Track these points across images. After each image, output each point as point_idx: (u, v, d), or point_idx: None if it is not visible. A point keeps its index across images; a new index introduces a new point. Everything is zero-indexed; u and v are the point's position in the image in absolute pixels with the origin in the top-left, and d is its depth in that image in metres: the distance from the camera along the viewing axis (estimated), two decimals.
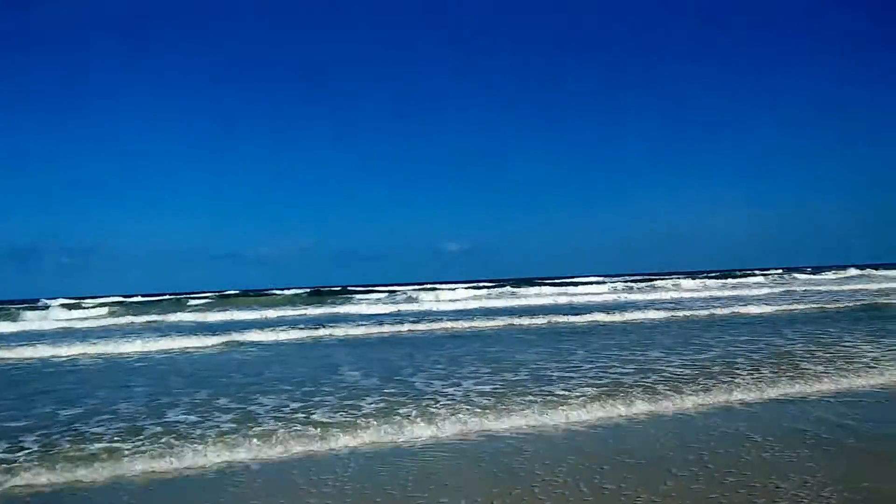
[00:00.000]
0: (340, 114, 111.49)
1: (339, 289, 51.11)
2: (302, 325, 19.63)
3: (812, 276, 52.24)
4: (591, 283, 48.71)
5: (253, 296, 44.42)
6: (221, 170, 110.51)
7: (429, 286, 53.94)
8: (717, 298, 28.64)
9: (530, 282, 52.38)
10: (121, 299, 45.06)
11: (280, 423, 6.85)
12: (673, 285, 43.15)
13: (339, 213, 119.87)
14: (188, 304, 37.83)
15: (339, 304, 33.84)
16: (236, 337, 16.58)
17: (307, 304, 33.61)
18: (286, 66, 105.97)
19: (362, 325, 19.62)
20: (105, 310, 35.00)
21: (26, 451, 6.13)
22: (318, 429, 6.59)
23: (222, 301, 40.86)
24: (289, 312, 27.83)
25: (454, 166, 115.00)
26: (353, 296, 41.54)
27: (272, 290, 51.87)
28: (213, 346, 15.39)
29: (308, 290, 47.79)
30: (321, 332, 17.78)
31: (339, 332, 17.69)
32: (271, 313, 27.00)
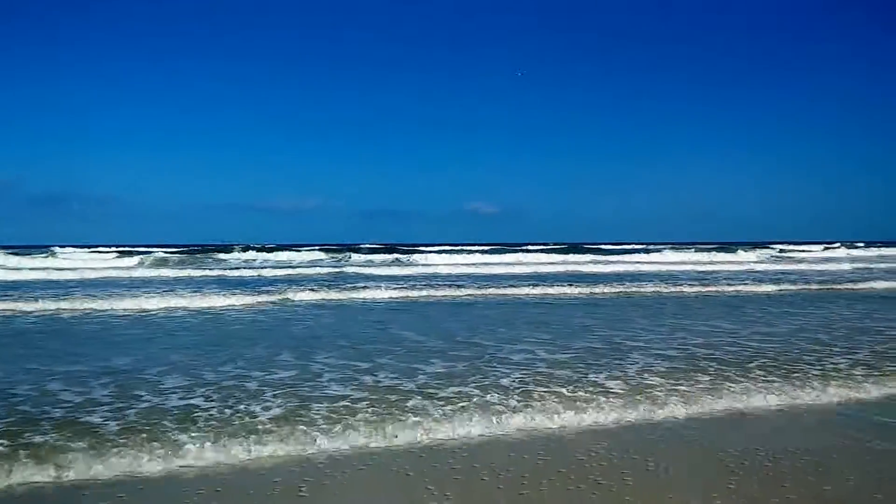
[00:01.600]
0: (371, 75, 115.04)
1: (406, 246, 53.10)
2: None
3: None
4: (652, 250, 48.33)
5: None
6: (250, 124, 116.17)
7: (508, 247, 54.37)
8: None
9: (577, 248, 52.86)
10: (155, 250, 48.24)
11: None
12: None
13: (369, 171, 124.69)
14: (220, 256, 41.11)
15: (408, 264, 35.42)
16: (290, 295, 17.34)
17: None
18: (317, 29, 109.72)
19: (443, 286, 20.79)
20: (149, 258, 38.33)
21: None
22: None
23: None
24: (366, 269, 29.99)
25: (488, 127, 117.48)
26: (425, 254, 43.08)
27: (301, 245, 54.05)
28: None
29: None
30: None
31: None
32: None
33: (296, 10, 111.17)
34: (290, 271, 29.28)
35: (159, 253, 42.82)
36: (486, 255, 42.58)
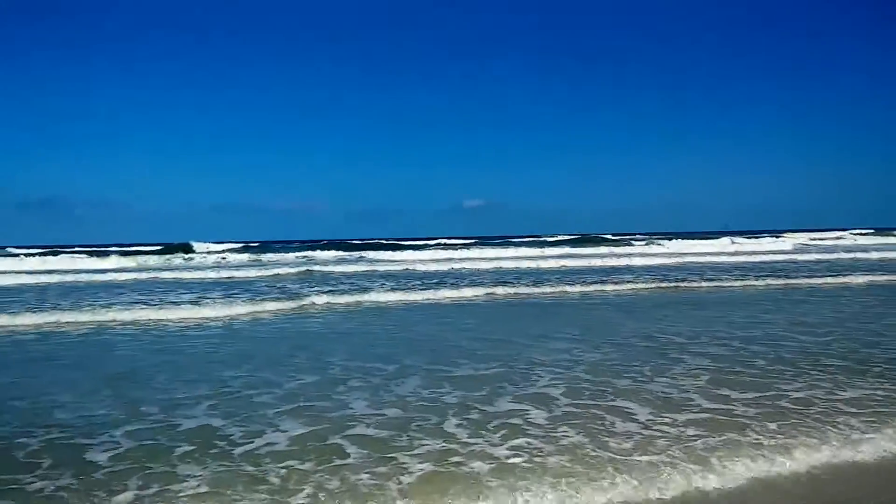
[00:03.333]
0: (368, 71, 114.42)
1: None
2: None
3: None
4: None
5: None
6: (247, 128, 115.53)
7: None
8: None
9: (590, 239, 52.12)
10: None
11: None
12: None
13: (359, 169, 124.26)
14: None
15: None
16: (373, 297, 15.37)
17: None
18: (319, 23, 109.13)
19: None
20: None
21: None
22: None
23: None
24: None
25: (475, 120, 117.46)
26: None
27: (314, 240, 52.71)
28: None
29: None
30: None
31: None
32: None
33: (294, 8, 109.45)
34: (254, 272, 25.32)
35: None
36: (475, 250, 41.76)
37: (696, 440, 4.87)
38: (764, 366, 7.54)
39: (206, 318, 12.46)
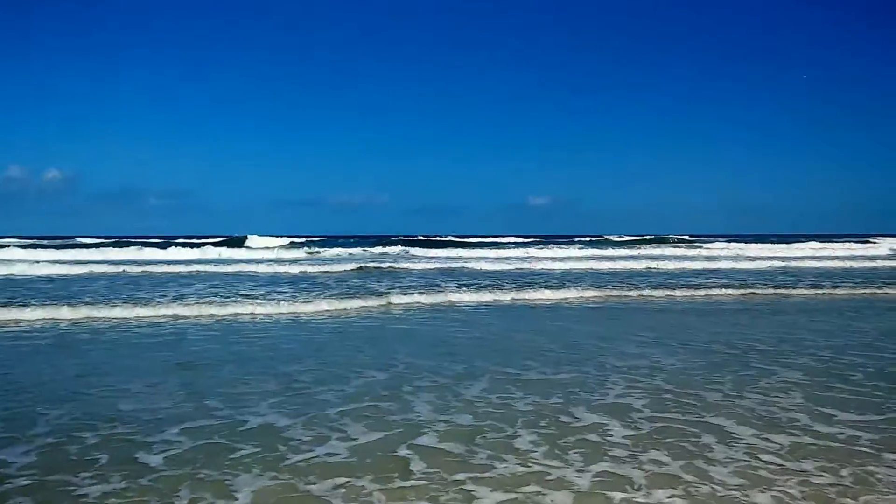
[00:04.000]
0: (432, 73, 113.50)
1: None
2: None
3: None
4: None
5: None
6: (306, 124, 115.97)
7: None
8: None
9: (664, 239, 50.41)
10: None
11: None
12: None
13: (422, 164, 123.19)
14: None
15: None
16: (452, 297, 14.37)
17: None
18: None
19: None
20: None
21: None
22: None
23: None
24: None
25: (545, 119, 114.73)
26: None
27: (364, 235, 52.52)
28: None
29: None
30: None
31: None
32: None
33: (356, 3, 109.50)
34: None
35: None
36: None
37: (817, 475, 4.12)
38: (863, 380, 6.73)
39: (285, 313, 12.05)
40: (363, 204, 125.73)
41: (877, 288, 17.42)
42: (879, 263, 29.22)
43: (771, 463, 4.32)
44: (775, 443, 4.72)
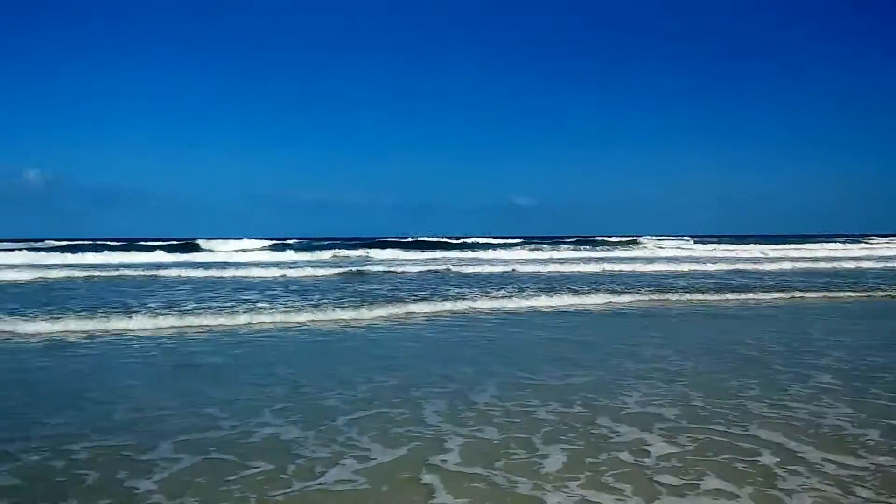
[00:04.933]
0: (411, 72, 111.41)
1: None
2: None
3: None
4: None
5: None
6: (278, 121, 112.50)
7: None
8: None
9: None
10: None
11: None
12: None
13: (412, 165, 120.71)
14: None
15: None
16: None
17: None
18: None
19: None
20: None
21: None
22: None
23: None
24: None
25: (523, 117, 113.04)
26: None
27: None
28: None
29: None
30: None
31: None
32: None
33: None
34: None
35: None
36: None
37: None
38: None
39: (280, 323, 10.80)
40: (334, 204, 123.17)
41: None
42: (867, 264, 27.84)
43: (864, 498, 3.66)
44: (850, 464, 4.05)
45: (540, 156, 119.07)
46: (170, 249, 34.89)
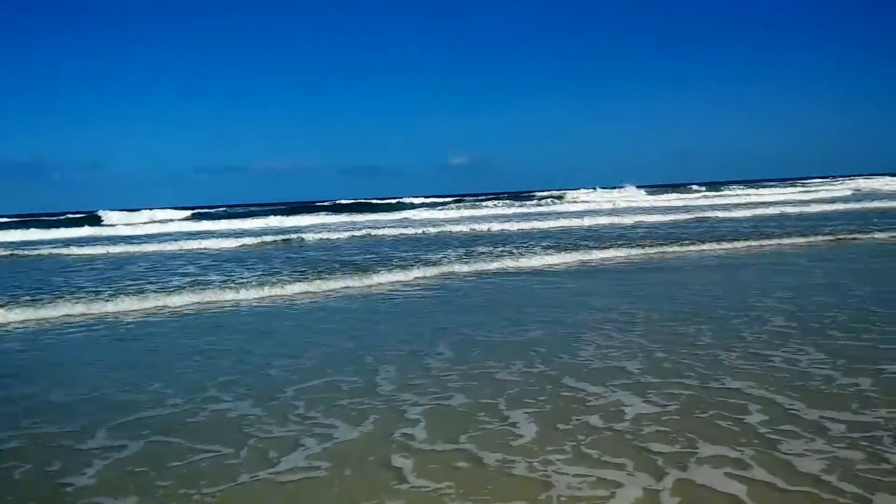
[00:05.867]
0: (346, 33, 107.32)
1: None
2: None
3: None
4: None
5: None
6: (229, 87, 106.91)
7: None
8: None
9: None
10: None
11: None
12: None
13: (350, 127, 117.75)
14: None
15: None
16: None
17: None
18: None
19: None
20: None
21: None
22: None
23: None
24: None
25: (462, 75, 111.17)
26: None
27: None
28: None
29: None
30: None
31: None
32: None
33: None
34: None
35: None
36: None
37: None
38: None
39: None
40: (289, 169, 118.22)
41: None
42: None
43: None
44: (845, 420, 3.67)
45: (476, 115, 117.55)
46: (68, 224, 30.95)
